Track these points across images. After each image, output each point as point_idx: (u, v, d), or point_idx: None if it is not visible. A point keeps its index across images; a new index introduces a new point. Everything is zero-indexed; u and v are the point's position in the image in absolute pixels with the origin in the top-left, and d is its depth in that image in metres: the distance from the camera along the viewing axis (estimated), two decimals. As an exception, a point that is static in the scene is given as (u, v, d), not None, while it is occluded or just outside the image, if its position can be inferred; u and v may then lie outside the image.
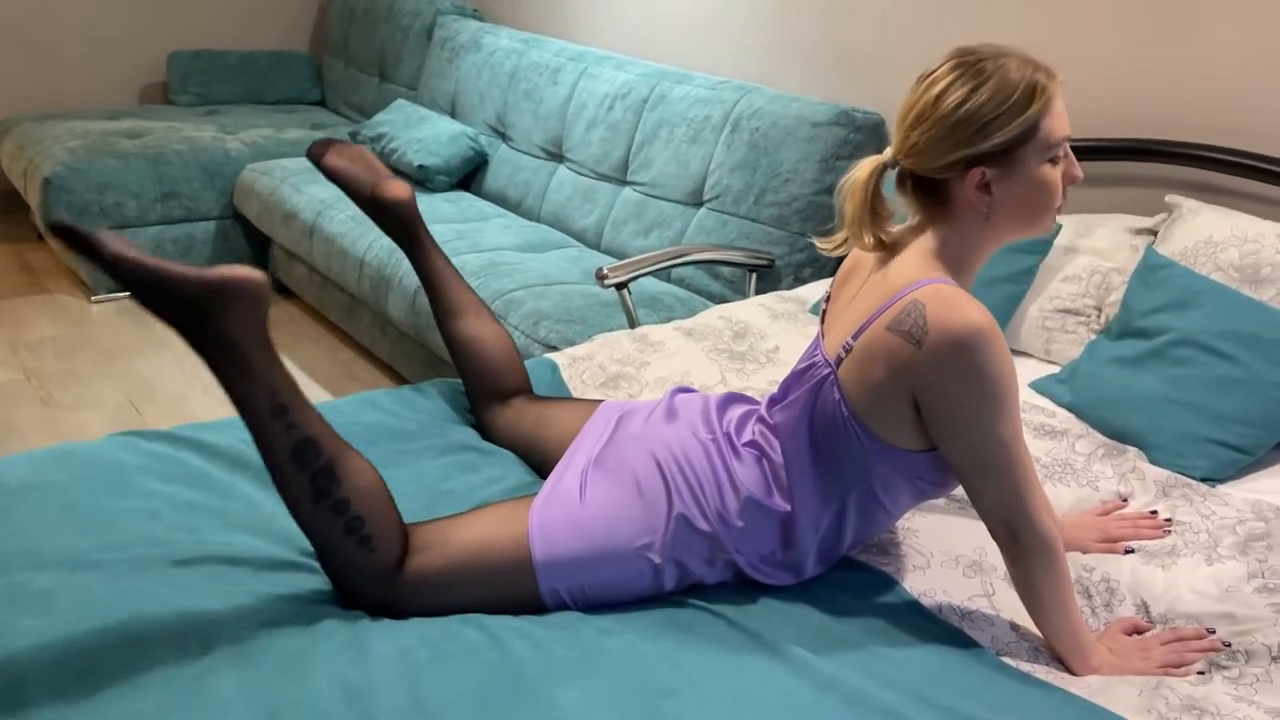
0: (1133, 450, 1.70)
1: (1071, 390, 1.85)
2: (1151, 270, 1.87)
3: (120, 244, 1.12)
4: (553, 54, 3.43)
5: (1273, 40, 1.98)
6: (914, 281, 1.24)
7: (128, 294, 1.16)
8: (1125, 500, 1.60)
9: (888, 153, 1.28)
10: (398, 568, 1.25)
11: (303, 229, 3.26)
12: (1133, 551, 1.48)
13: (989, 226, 1.26)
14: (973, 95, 1.20)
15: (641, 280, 2.63)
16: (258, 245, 3.84)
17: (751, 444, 1.37)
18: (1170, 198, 2.04)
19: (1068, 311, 2.02)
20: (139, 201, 3.56)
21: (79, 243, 1.11)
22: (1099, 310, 2.00)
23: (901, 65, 2.61)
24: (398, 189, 1.70)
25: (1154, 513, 1.56)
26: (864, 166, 1.29)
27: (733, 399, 1.49)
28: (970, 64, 1.21)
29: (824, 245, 1.35)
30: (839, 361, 1.29)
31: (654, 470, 1.34)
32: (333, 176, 1.74)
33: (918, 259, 1.27)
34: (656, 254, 2.40)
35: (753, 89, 2.81)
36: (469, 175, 3.59)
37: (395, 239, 1.75)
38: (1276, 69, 1.98)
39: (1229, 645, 1.29)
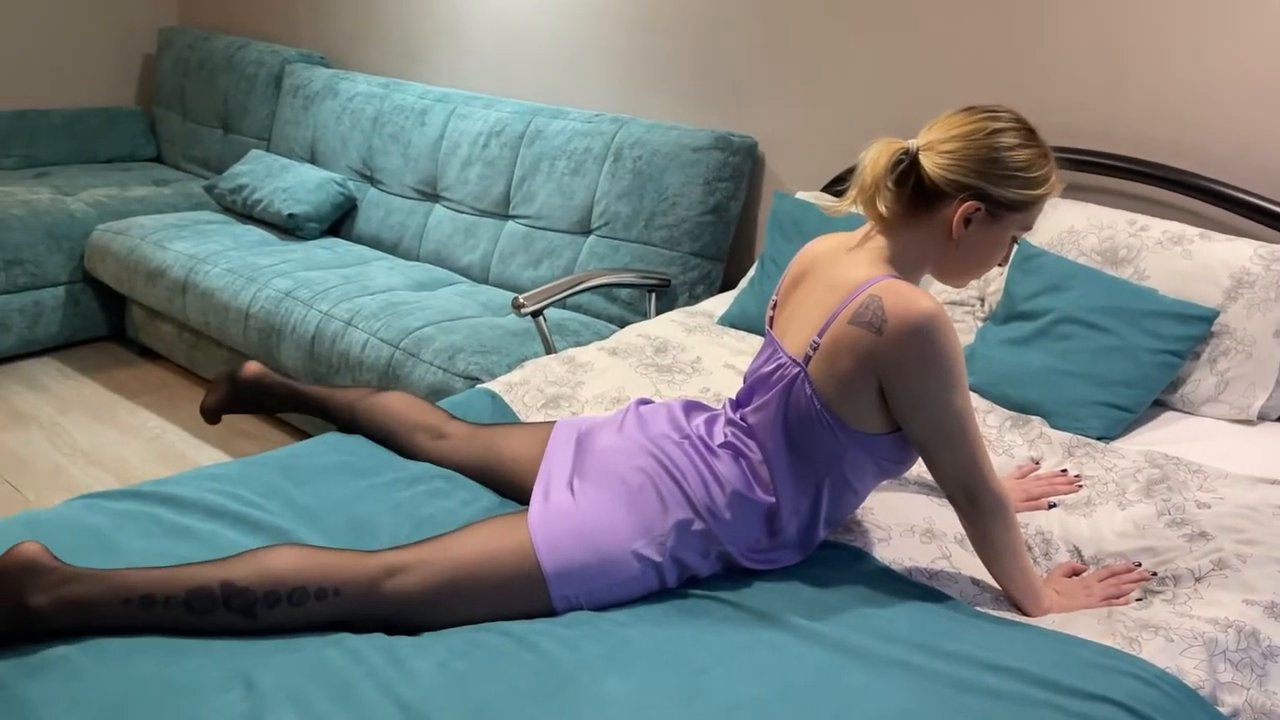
0: (1036, 419, 1.89)
1: (971, 372, 2.04)
2: (1027, 260, 2.09)
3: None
4: (416, 97, 3.46)
5: (1107, 51, 2.25)
6: (867, 279, 1.38)
7: None
8: (1037, 463, 1.79)
9: (911, 142, 1.39)
10: (383, 578, 1.29)
11: (173, 286, 3.16)
12: (1055, 506, 1.66)
13: (947, 250, 1.40)
14: (1020, 150, 1.36)
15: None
16: (111, 308, 3.68)
17: (726, 445, 1.47)
18: (1029, 195, 2.28)
19: (954, 303, 2.22)
20: (-21, 271, 3.36)
21: None
22: (982, 300, 2.22)
23: (762, 92, 2.79)
24: (249, 367, 1.84)
25: (1064, 471, 1.75)
26: (885, 146, 1.37)
27: (693, 406, 1.58)
28: (1026, 127, 1.39)
29: (830, 208, 1.46)
30: (807, 359, 1.41)
31: (642, 475, 1.42)
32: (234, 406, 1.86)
33: (868, 263, 1.41)
34: (567, 280, 2.48)
35: (629, 120, 2.93)
36: (337, 221, 3.57)
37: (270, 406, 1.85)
38: (1113, 76, 2.25)
39: (1155, 574, 1.47)
